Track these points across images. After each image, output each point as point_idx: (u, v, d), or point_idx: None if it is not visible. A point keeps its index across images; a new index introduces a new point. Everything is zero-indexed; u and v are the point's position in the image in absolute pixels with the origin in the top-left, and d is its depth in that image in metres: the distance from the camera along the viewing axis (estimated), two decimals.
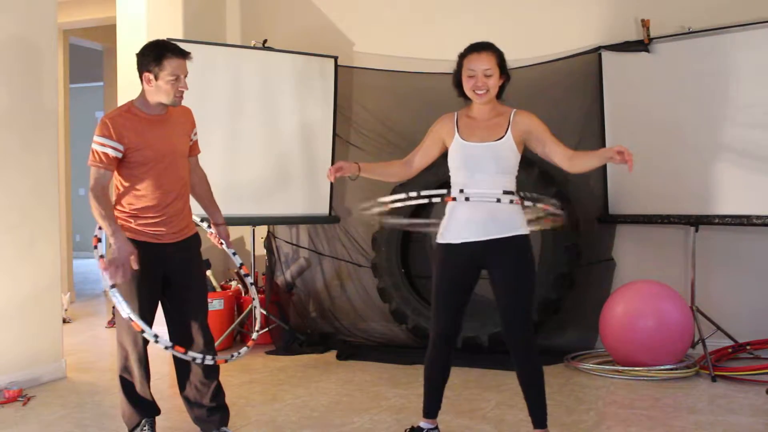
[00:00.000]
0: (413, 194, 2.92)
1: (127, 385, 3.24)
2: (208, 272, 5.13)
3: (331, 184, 5.43)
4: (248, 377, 4.49)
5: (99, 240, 3.05)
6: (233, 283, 5.64)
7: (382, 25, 5.75)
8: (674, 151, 4.71)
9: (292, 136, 5.40)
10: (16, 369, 4.17)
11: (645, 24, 4.80)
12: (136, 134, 3.05)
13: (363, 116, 5.71)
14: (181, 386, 3.29)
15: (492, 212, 2.94)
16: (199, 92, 4.62)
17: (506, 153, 2.98)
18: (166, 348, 2.91)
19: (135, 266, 2.95)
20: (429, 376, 3.14)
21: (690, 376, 4.28)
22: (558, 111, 4.94)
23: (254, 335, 3.40)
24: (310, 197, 5.46)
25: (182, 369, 3.26)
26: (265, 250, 5.67)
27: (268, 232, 5.73)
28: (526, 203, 2.97)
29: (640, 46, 4.83)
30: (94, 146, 3.01)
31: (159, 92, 3.06)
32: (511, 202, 2.91)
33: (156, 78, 3.03)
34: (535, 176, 4.77)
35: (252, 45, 5.47)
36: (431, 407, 3.15)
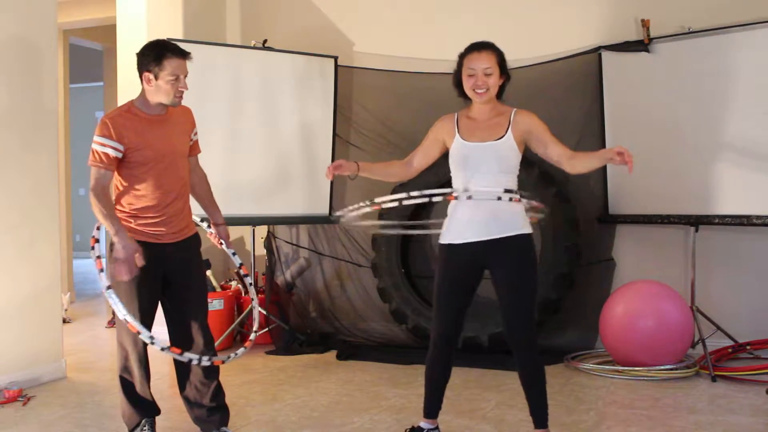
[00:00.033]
0: (415, 193, 2.92)
1: (127, 385, 3.24)
2: (208, 272, 5.13)
3: (331, 184, 5.43)
4: (248, 377, 4.49)
5: (97, 241, 3.04)
6: (233, 283, 5.64)
7: (382, 25, 5.74)
8: (674, 151, 4.71)
9: (292, 136, 5.40)
10: (16, 369, 4.17)
11: (645, 24, 4.80)
12: (136, 134, 3.05)
13: (363, 116, 5.71)
14: (181, 386, 3.29)
15: (494, 212, 2.94)
16: (199, 92, 4.62)
17: (507, 152, 2.97)
18: (162, 350, 2.91)
19: (141, 263, 2.96)
20: (430, 376, 3.14)
21: (690, 376, 4.28)
22: (558, 111, 4.94)
23: (252, 335, 3.40)
24: (310, 197, 5.46)
25: (182, 369, 3.26)
26: (265, 250, 5.66)
27: (268, 232, 5.73)
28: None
29: (640, 46, 4.83)
30: (95, 146, 3.01)
31: (159, 92, 3.06)
32: (511, 199, 2.91)
33: (156, 78, 3.03)
34: (535, 176, 4.77)
35: (252, 45, 5.47)
36: (432, 407, 3.15)
